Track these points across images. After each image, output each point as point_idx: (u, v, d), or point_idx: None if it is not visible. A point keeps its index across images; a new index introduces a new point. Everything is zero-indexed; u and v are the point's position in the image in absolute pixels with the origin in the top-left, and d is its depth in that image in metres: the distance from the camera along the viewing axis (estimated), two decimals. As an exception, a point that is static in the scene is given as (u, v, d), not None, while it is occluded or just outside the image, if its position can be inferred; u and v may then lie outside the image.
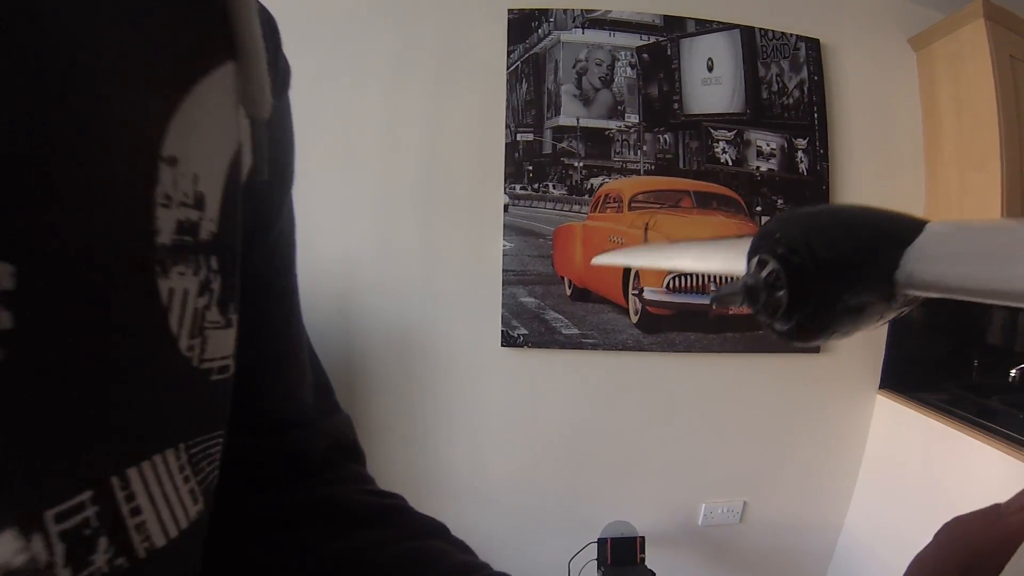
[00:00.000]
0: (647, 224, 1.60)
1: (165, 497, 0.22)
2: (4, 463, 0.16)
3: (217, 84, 0.24)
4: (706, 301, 1.62)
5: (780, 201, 1.71)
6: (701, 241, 0.54)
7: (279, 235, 0.35)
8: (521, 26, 1.63)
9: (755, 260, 0.31)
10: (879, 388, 1.81)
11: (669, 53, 1.67)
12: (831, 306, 0.29)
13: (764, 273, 0.30)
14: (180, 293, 0.22)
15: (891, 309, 0.30)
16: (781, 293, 0.29)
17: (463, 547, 0.37)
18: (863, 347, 1.79)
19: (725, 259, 0.42)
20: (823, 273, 0.29)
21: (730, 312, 1.65)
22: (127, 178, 0.20)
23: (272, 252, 0.34)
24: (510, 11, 1.62)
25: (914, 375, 1.80)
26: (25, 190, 0.17)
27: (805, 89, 1.74)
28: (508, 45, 1.62)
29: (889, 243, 0.29)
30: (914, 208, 1.81)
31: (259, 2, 0.31)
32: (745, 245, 0.32)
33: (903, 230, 0.29)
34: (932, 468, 1.61)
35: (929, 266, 0.27)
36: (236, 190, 0.26)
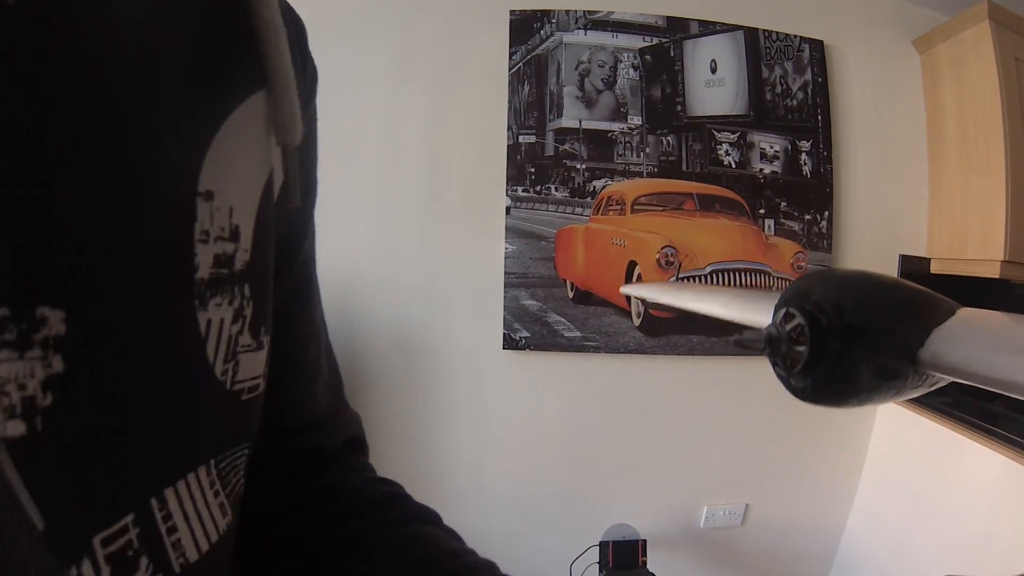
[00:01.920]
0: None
1: (198, 513, 0.23)
2: (59, 495, 0.17)
3: (248, 114, 0.25)
4: (708, 304, 1.62)
5: (783, 204, 1.70)
6: (730, 289, 0.54)
7: (312, 239, 0.36)
8: (523, 27, 1.62)
9: (782, 312, 0.31)
10: (881, 391, 1.80)
11: (672, 55, 1.67)
12: (850, 371, 0.29)
13: (789, 326, 0.30)
14: (217, 323, 0.23)
15: (910, 386, 0.29)
16: (802, 348, 0.29)
17: (453, 534, 0.39)
18: (865, 350, 1.79)
19: (752, 310, 0.42)
20: (847, 336, 0.29)
21: (732, 315, 1.64)
22: (167, 218, 0.21)
23: (300, 268, 0.35)
24: (512, 12, 1.61)
25: (916, 378, 1.80)
26: (72, 237, 0.17)
27: (809, 91, 1.73)
28: (510, 46, 1.61)
29: (919, 320, 0.29)
30: (917, 212, 1.81)
31: (285, 2, 0.31)
32: (773, 299, 0.32)
33: (935, 310, 0.29)
34: (934, 471, 1.61)
35: (956, 349, 0.27)
36: (269, 217, 0.27)
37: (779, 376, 0.31)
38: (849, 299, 0.29)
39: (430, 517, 0.40)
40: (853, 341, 0.29)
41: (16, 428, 0.16)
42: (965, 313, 0.29)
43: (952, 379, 0.27)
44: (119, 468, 0.19)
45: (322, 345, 0.39)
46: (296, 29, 0.32)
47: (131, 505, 0.20)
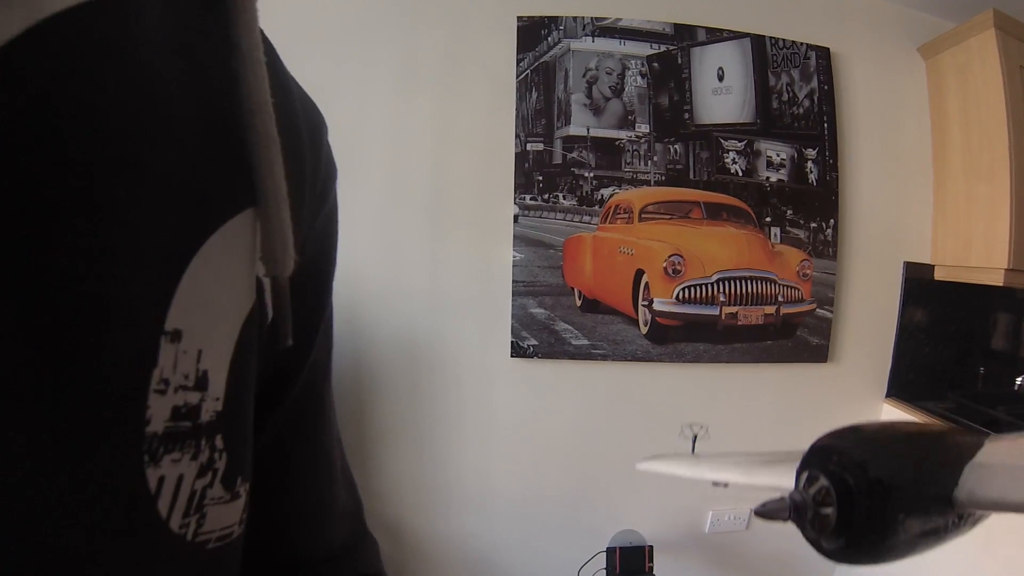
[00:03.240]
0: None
1: None
2: None
3: (231, 235, 0.22)
4: (714, 312, 1.63)
5: (789, 211, 1.71)
6: (749, 454, 0.54)
7: (311, 367, 0.32)
8: (530, 34, 1.62)
9: (804, 476, 0.30)
10: (885, 397, 1.82)
11: (680, 62, 1.67)
12: (884, 527, 0.28)
13: (813, 490, 0.29)
14: (173, 479, 0.21)
15: (952, 529, 0.28)
16: (830, 511, 0.28)
17: None
18: (870, 355, 1.80)
19: (773, 474, 0.41)
20: (876, 493, 0.28)
21: (738, 323, 1.65)
22: (121, 363, 0.19)
23: (300, 399, 0.32)
24: (519, 19, 1.61)
25: (919, 384, 1.82)
26: (27, 370, 0.17)
27: (815, 99, 1.74)
28: (517, 53, 1.61)
29: (948, 463, 0.28)
30: (921, 219, 1.82)
31: (302, 93, 0.30)
32: (794, 462, 0.32)
33: (962, 447, 0.28)
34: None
35: (991, 484, 0.26)
36: (248, 359, 0.24)
37: (809, 540, 0.31)
38: (873, 455, 0.28)
39: None
40: (883, 497, 0.28)
41: None
42: (993, 444, 0.28)
43: (996, 512, 0.27)
44: None
45: (335, 472, 0.36)
46: (311, 128, 0.30)
47: None
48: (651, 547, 1.52)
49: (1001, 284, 1.62)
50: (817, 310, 1.72)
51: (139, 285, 0.19)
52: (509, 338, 1.60)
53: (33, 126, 0.16)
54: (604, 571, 1.53)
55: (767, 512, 0.30)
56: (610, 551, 1.51)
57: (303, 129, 0.28)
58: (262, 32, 0.24)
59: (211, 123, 0.21)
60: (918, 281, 1.82)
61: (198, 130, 0.21)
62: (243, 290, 0.23)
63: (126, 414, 0.19)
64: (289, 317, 0.26)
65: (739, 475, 0.52)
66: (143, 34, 0.19)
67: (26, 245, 0.16)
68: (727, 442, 1.78)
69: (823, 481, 0.29)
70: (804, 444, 1.47)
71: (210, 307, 0.21)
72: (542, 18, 1.62)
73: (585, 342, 1.62)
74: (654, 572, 1.50)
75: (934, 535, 0.29)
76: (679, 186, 1.65)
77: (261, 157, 0.22)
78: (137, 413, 0.19)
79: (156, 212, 0.19)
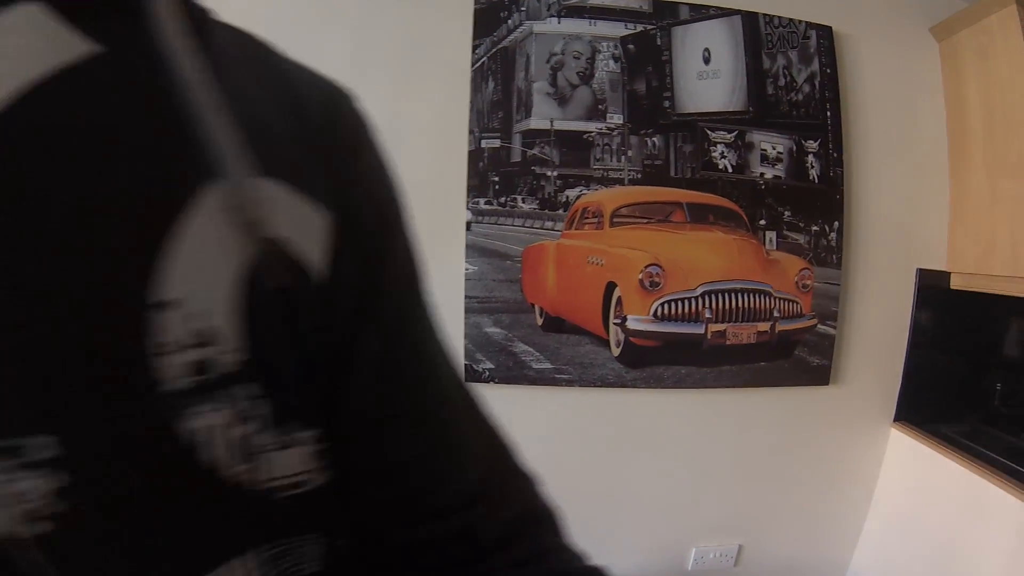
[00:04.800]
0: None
1: None
2: None
3: (205, 209, 0.25)
4: (699, 330, 1.43)
5: (787, 213, 1.51)
6: None
7: (393, 316, 0.33)
8: (488, 17, 1.42)
9: None
10: (894, 420, 1.62)
11: (659, 43, 1.46)
12: None
13: None
14: (206, 429, 0.23)
15: None
16: None
17: None
18: (877, 376, 1.60)
19: None
20: None
21: (727, 343, 1.45)
22: (115, 339, 0.22)
23: (387, 336, 0.32)
24: (476, 1, 1.41)
25: (932, 405, 1.62)
26: (45, 373, 0.21)
27: (816, 83, 1.53)
28: (473, 39, 1.41)
29: None
30: (937, 220, 1.61)
31: (309, 74, 0.34)
32: None
33: None
34: (947, 510, 1.46)
35: None
36: (268, 308, 0.26)
37: None
38: None
39: None
40: None
41: (41, 528, 0.20)
42: None
43: None
44: (133, 567, 0.22)
45: (459, 413, 0.36)
46: (324, 98, 0.34)
47: None
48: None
49: (1029, 295, 1.41)
50: (819, 326, 1.52)
51: (115, 266, 0.22)
52: (462, 361, 1.42)
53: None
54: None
55: None
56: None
57: (312, 102, 0.32)
58: (230, 27, 0.30)
59: (150, 111, 0.24)
60: (932, 290, 1.61)
61: (140, 123, 0.24)
62: (229, 249, 0.25)
63: (136, 381, 0.22)
64: (279, 258, 0.27)
65: None
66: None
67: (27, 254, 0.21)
68: (717, 477, 1.60)
69: None
70: (801, 473, 1.26)
71: (198, 273, 0.24)
72: (501, -1, 1.42)
73: (548, 366, 1.43)
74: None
75: None
76: (658, 185, 1.45)
77: (204, 129, 0.25)
78: (145, 378, 0.22)
79: (118, 212, 0.23)
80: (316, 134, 0.31)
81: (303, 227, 0.28)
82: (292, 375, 0.27)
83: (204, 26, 0.28)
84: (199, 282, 0.24)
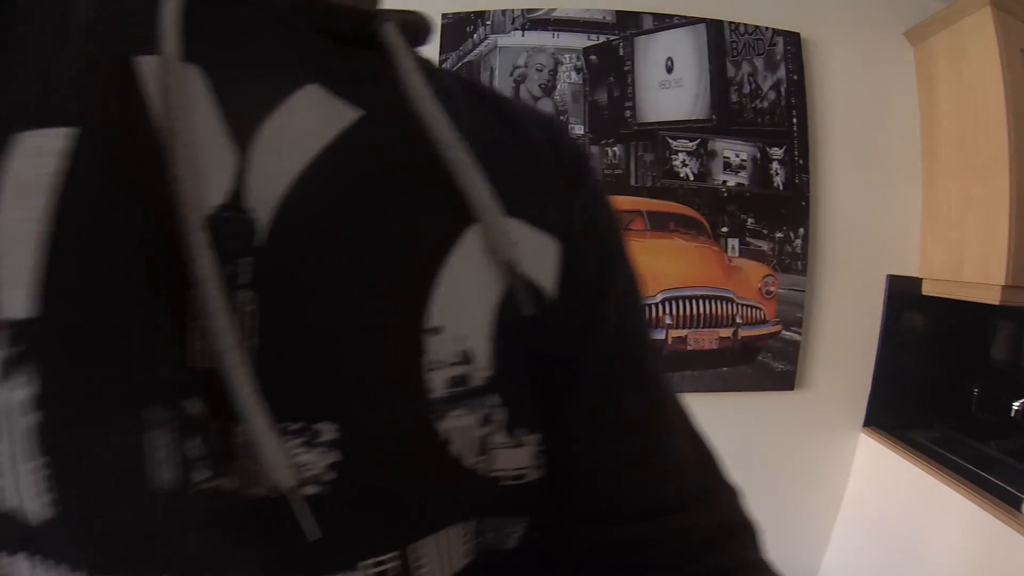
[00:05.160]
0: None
1: (448, 556, 0.29)
2: (342, 547, 0.26)
3: (466, 249, 0.29)
4: (659, 336, 1.45)
5: (750, 220, 1.51)
6: None
7: (616, 334, 0.35)
8: (455, 32, 1.46)
9: None
10: (863, 426, 1.61)
11: (621, 53, 1.48)
12: None
13: None
14: (458, 429, 0.28)
15: None
16: None
17: None
18: (847, 382, 1.60)
19: None
20: None
21: (688, 348, 1.47)
22: (399, 356, 0.27)
23: (610, 352, 0.35)
24: (444, 16, 1.45)
25: (903, 410, 1.61)
26: (336, 381, 0.27)
27: (782, 90, 1.53)
28: (440, 54, 1.45)
29: None
30: (908, 226, 1.60)
31: (529, 109, 0.37)
32: None
33: None
34: (912, 516, 1.44)
35: None
36: (510, 331, 0.30)
37: None
38: None
39: None
40: None
41: (312, 490, 0.25)
42: None
43: None
44: (386, 526, 0.27)
45: (673, 424, 0.37)
46: (545, 131, 0.36)
47: (394, 549, 0.27)
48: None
49: (998, 303, 1.40)
50: (783, 332, 1.53)
51: (397, 303, 0.28)
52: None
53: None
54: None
55: None
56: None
57: (537, 137, 0.35)
58: (458, 76, 0.36)
59: (413, 168, 0.30)
60: (904, 296, 1.60)
61: (405, 182, 0.29)
62: (488, 283, 0.30)
63: (410, 389, 0.27)
64: (525, 290, 0.31)
65: None
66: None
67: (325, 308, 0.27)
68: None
69: None
70: (768, 480, 1.28)
71: (463, 304, 0.29)
72: (468, 13, 1.46)
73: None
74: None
75: None
76: (618, 194, 1.46)
77: (462, 181, 0.30)
78: (418, 388, 0.27)
79: (402, 254, 0.28)
80: (544, 168, 0.35)
81: (541, 258, 0.32)
82: (525, 388, 0.31)
83: (440, 82, 0.32)
84: (461, 312, 0.28)
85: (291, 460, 0.24)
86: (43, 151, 0.22)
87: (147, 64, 0.25)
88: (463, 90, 0.35)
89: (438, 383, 0.28)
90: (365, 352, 0.27)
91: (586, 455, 0.34)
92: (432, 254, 0.28)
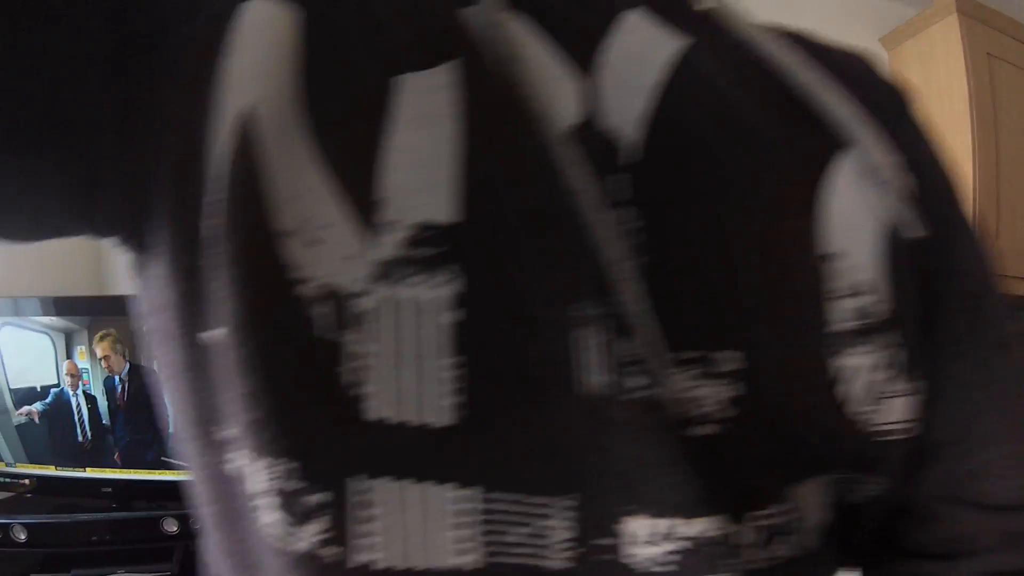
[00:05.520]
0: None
1: (815, 507, 0.27)
2: (722, 483, 0.23)
3: (843, 174, 0.27)
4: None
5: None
6: None
7: (965, 264, 0.33)
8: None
9: None
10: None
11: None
12: None
13: None
14: (850, 369, 0.25)
15: None
16: None
17: None
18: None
19: None
20: None
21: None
22: (800, 282, 0.25)
23: (956, 307, 0.31)
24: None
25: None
26: (746, 297, 0.25)
27: (760, 91, 1.61)
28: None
29: None
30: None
31: (840, 48, 0.36)
32: None
33: None
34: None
35: None
36: (902, 260, 0.28)
37: None
38: None
39: None
40: None
41: (705, 430, 0.23)
42: None
43: None
44: (766, 469, 0.25)
45: None
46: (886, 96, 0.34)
47: (774, 497, 0.25)
48: None
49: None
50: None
51: (795, 226, 0.25)
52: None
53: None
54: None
55: None
56: None
57: (854, 69, 0.34)
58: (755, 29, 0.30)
59: (773, 96, 0.28)
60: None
61: (766, 107, 0.27)
62: (873, 210, 0.27)
63: (811, 319, 0.25)
64: (912, 219, 0.29)
65: None
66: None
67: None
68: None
69: None
70: None
71: (852, 230, 0.26)
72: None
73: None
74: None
75: None
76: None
77: (824, 106, 0.28)
78: (818, 318, 0.25)
79: (776, 174, 0.26)
80: (875, 99, 0.32)
81: (900, 187, 0.29)
82: (920, 327, 0.28)
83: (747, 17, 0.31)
84: (852, 238, 0.26)
85: (685, 392, 0.23)
86: (434, 87, 0.23)
87: (471, 12, 0.25)
88: (765, 30, 0.33)
89: (837, 314, 0.25)
90: (766, 275, 0.25)
91: (961, 421, 0.30)
92: (807, 177, 0.26)
